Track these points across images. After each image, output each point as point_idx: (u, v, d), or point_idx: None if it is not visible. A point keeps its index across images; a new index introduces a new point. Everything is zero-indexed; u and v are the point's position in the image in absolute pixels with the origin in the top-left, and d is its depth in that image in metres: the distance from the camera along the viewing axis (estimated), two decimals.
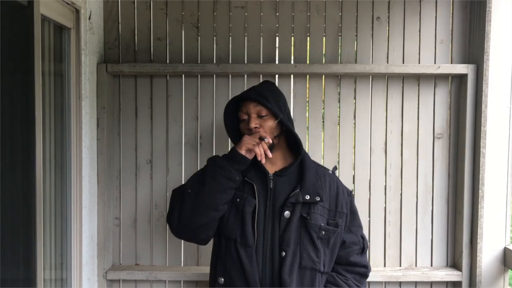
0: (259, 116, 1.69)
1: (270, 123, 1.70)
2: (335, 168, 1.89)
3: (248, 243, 1.63)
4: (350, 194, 1.84)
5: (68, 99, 1.99)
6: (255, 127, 1.67)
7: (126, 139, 2.36)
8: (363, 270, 1.81)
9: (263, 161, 1.63)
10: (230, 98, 2.29)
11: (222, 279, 1.67)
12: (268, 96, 1.71)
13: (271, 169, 1.74)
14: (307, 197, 1.67)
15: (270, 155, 1.63)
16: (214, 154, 2.31)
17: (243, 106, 1.73)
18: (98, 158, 2.25)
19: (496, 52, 2.18)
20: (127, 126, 2.35)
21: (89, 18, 2.11)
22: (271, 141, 1.66)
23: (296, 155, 1.78)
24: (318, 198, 1.69)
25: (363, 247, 1.82)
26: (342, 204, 1.77)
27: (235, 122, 1.80)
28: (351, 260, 1.77)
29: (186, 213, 1.65)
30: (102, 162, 2.26)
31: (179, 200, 1.68)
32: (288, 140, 1.81)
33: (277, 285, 1.62)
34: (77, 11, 2.00)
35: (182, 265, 2.38)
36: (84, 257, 2.12)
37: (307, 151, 2.33)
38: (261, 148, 1.62)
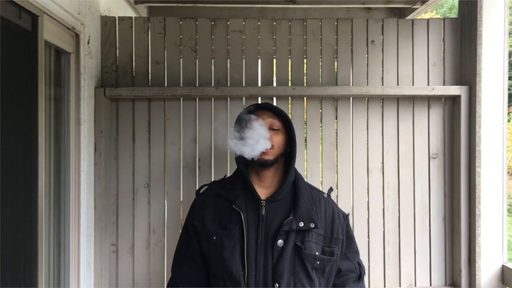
0: (271, 129, 1.65)
1: (279, 138, 1.66)
2: (330, 190, 1.82)
3: (234, 277, 1.55)
4: (346, 218, 1.76)
5: (67, 124, 1.96)
6: None
7: (124, 163, 2.33)
8: None
9: None
10: (228, 120, 2.31)
11: None
12: (284, 113, 1.71)
13: (263, 193, 1.66)
14: (301, 224, 1.59)
15: None
16: (213, 178, 2.31)
17: (257, 116, 1.68)
18: (96, 183, 2.21)
19: (488, 74, 2.26)
20: (124, 150, 2.33)
21: (88, 43, 2.10)
22: None
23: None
24: (312, 225, 1.61)
25: (360, 274, 1.75)
26: (338, 229, 1.68)
27: None
28: None
29: None
30: (99, 187, 2.22)
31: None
32: (286, 164, 1.73)
33: None
34: (77, 36, 1.99)
35: None
36: (82, 286, 2.07)
37: (305, 172, 2.35)
38: None
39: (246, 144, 1.58)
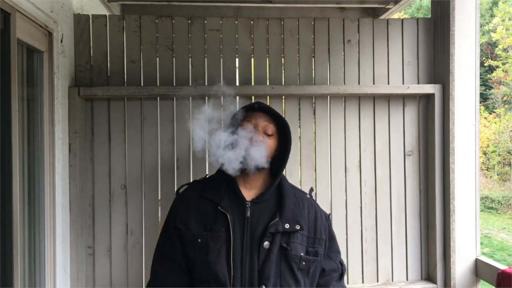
0: (265, 133, 1.62)
1: (272, 143, 1.64)
2: (311, 190, 1.82)
3: (220, 281, 1.51)
4: (328, 219, 1.76)
5: (41, 125, 1.90)
6: None
7: (99, 164, 2.28)
8: None
9: None
10: (206, 120, 2.28)
11: None
12: (281, 116, 1.68)
13: (248, 194, 1.64)
14: (287, 226, 1.58)
15: None
16: (191, 178, 2.29)
17: (252, 117, 1.64)
18: (71, 185, 2.16)
19: (460, 73, 2.31)
20: (100, 151, 2.28)
21: (61, 41, 2.05)
22: None
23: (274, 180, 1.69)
24: (298, 227, 1.60)
25: (342, 273, 1.77)
26: (321, 230, 1.68)
27: None
28: None
29: None
30: (75, 189, 2.16)
31: None
32: (273, 167, 1.69)
33: None
34: (49, 34, 1.93)
35: None
36: None
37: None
38: None
39: (240, 159, 1.54)
